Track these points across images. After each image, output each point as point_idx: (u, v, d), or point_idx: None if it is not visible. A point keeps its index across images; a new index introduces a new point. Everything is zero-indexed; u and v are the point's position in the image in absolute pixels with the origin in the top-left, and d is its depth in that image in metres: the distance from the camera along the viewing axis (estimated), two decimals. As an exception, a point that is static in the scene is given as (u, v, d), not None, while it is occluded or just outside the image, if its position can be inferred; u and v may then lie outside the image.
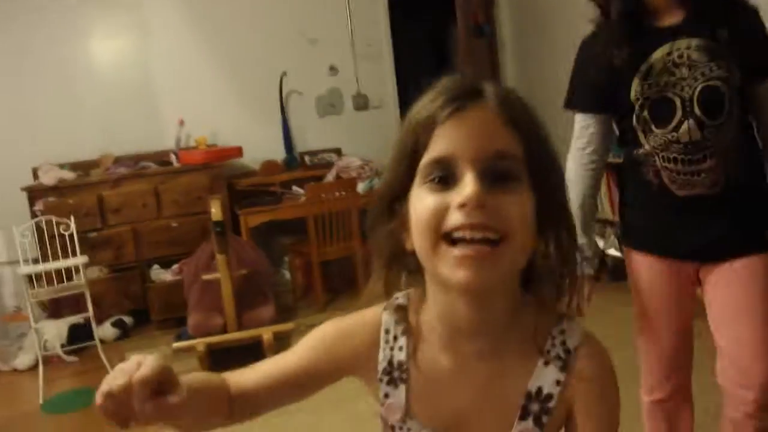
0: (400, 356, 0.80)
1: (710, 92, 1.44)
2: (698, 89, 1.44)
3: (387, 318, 0.82)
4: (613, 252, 4.11)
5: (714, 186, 1.48)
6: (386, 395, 0.80)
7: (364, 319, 0.83)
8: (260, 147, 4.67)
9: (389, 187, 0.77)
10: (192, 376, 0.74)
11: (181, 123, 4.52)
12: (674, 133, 1.47)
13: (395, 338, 0.81)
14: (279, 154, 4.79)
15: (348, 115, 5.11)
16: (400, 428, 0.80)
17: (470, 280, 0.69)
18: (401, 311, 0.82)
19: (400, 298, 0.83)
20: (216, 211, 3.36)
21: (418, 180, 0.73)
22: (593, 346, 0.79)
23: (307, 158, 4.80)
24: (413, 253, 0.75)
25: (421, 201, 0.72)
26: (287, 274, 4.64)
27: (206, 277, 3.45)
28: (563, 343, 0.78)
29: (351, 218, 4.08)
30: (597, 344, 0.80)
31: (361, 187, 4.30)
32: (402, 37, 5.68)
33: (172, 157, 4.40)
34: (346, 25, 5.03)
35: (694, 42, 1.44)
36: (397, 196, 0.76)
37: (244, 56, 4.77)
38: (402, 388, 0.79)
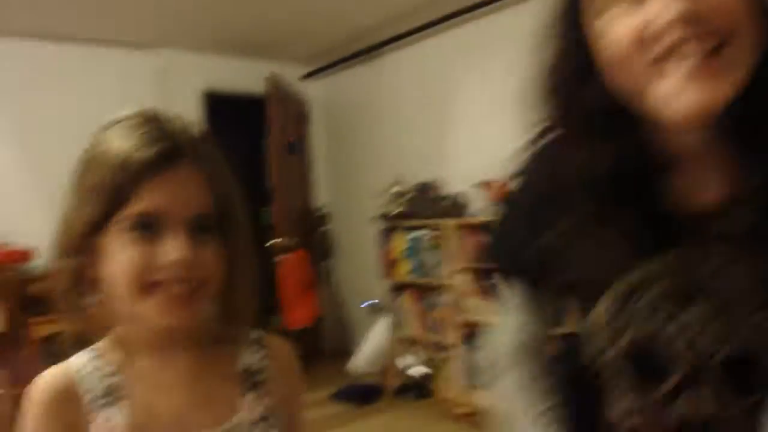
0: (111, 380, 0.81)
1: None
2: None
3: (78, 360, 0.83)
4: (417, 370, 4.30)
5: None
6: (107, 419, 0.79)
7: (61, 375, 0.82)
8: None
9: (83, 224, 0.77)
10: None
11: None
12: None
13: (97, 368, 0.82)
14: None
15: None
16: None
17: (174, 321, 0.78)
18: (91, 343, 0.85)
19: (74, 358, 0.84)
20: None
21: (118, 225, 0.75)
22: (273, 334, 0.96)
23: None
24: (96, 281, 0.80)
25: (125, 252, 0.74)
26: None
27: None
28: (252, 333, 0.93)
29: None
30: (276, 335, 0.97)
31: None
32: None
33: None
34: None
35: (743, 257, 0.68)
36: (88, 233, 0.77)
37: (40, 150, 4.40)
38: (121, 405, 0.80)
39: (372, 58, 5.14)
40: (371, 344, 4.83)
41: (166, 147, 0.77)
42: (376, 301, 4.67)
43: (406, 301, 4.53)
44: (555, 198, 0.79)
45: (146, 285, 0.74)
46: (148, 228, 0.75)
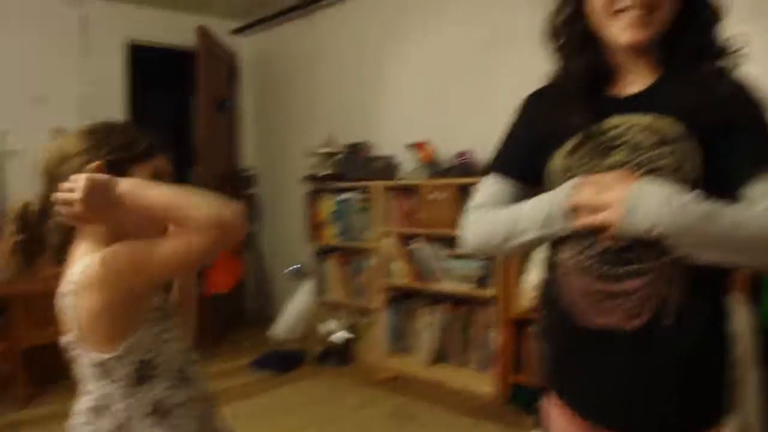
0: None
1: None
2: None
3: None
4: (339, 335, 4.22)
5: (636, 317, 1.10)
6: None
7: None
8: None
9: None
10: None
11: None
12: (592, 235, 1.12)
13: None
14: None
15: (75, 182, 4.66)
16: None
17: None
18: None
19: None
20: None
21: None
22: None
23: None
24: None
25: None
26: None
27: None
28: None
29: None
30: None
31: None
32: (141, 105, 5.43)
33: None
34: (78, 86, 4.66)
35: (647, 119, 1.11)
36: None
37: None
38: None
39: (307, 14, 4.97)
40: (293, 310, 4.71)
41: None
42: (299, 266, 4.54)
43: (332, 265, 4.42)
44: (550, 93, 1.27)
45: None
46: None
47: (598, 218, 1.07)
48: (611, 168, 1.12)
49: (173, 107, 6.78)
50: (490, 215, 1.25)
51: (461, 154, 3.70)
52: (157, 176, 1.19)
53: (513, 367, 3.35)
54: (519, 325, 3.29)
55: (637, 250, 1.08)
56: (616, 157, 1.12)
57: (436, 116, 4.09)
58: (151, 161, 1.21)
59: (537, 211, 1.16)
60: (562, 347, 1.23)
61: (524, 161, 1.27)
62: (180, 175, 1.31)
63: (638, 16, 1.09)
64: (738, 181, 1.07)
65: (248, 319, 5.35)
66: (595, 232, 1.10)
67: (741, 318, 2.47)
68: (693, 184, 1.06)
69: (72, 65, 4.65)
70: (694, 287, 1.08)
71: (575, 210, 1.11)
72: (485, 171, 1.34)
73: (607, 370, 1.15)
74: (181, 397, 1.19)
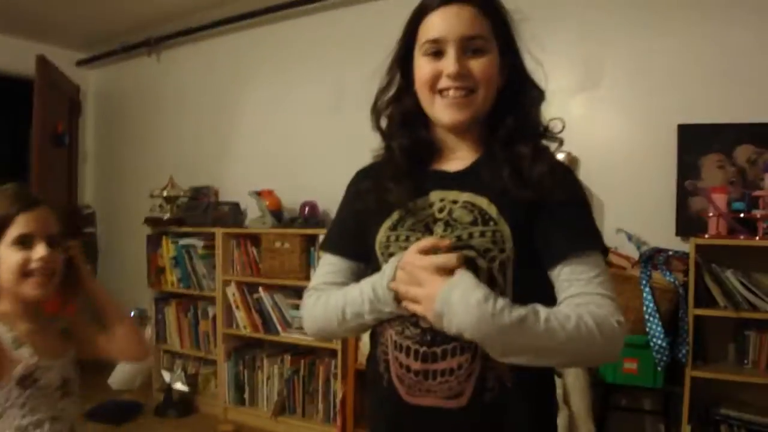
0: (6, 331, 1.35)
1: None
2: None
3: None
4: (179, 386, 4.06)
5: (456, 397, 1.09)
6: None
7: None
8: None
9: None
10: None
11: None
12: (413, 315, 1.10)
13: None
14: None
15: None
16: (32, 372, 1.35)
17: None
18: None
19: None
20: None
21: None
22: None
23: None
24: None
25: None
26: None
27: None
28: None
29: None
30: None
31: None
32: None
33: None
34: None
35: (465, 196, 1.14)
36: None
37: None
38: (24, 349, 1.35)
39: (155, 50, 4.83)
40: (132, 358, 4.49)
41: None
42: (140, 309, 4.34)
43: (172, 312, 4.26)
44: (376, 169, 1.26)
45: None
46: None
47: (417, 308, 1.05)
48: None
49: (11, 139, 6.34)
50: (323, 300, 1.21)
51: (306, 205, 3.71)
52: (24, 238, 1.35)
53: (356, 419, 3.35)
54: (361, 376, 3.30)
55: None
56: (437, 231, 1.12)
57: (282, 166, 4.09)
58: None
59: (364, 296, 1.13)
60: (390, 423, 1.18)
61: (354, 238, 1.26)
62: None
63: (457, 97, 1.12)
64: (548, 263, 1.08)
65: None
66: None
67: (572, 377, 2.63)
68: (505, 263, 1.08)
69: None
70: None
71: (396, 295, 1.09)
72: (322, 247, 1.34)
73: None
74: None
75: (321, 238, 3.52)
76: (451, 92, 1.13)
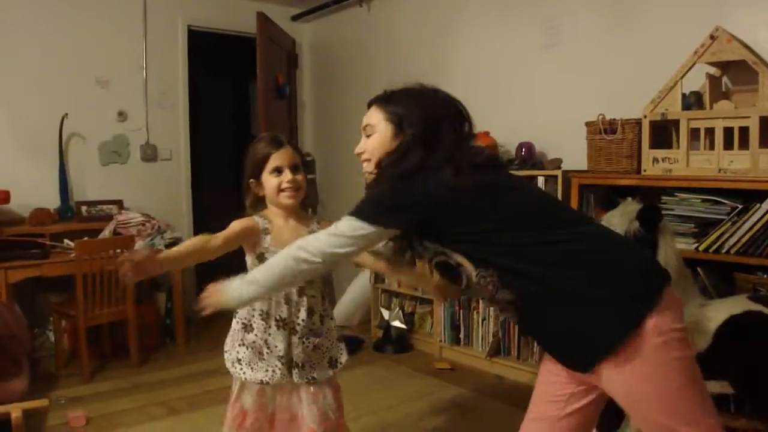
0: (265, 225, 1.97)
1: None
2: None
3: (257, 219, 1.98)
4: (397, 324, 4.17)
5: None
6: (263, 241, 1.95)
7: (252, 221, 1.96)
8: (32, 193, 4.12)
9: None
10: (179, 247, 1.87)
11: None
12: None
13: (263, 219, 1.98)
14: (53, 202, 4.25)
15: (133, 166, 4.73)
16: (266, 251, 1.92)
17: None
18: (261, 215, 2.00)
19: (255, 216, 1.99)
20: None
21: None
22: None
23: (84, 209, 4.31)
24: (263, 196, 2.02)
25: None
26: (52, 337, 4.08)
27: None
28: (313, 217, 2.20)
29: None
30: None
31: (139, 245, 3.89)
32: (200, 88, 5.49)
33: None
34: (140, 69, 4.73)
35: None
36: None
37: (20, 90, 4.22)
38: (269, 237, 1.95)
39: (366, 1, 4.91)
40: (351, 296, 4.69)
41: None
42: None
43: (389, 253, 4.36)
44: None
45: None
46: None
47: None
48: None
49: (232, 93, 6.83)
50: None
51: (522, 146, 3.60)
52: (277, 168, 1.99)
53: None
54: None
55: None
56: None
57: (495, 108, 3.94)
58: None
59: None
60: None
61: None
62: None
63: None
64: None
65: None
66: None
67: None
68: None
69: (134, 49, 4.71)
70: None
71: None
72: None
73: None
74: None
75: (539, 180, 3.46)
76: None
